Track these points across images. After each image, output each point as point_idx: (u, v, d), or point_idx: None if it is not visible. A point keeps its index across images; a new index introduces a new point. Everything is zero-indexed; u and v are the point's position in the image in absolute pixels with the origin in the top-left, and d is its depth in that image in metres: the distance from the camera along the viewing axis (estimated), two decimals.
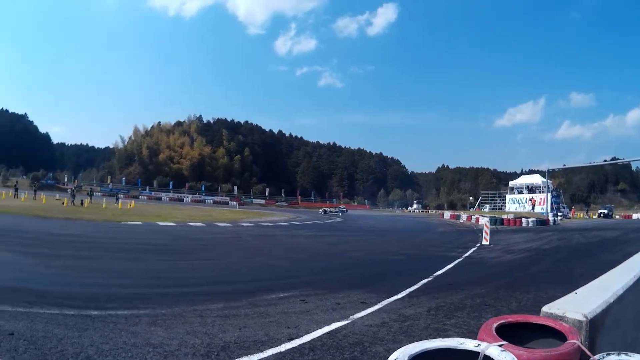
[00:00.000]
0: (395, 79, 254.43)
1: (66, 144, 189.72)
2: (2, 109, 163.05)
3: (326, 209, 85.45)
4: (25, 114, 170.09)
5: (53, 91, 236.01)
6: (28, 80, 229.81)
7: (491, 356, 2.42)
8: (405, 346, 2.58)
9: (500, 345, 2.54)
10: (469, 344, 2.56)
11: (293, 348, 5.43)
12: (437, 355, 2.52)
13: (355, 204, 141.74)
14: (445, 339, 2.69)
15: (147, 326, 6.10)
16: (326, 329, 6.30)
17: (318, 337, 5.92)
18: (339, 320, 6.75)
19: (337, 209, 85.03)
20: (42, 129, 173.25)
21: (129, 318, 6.47)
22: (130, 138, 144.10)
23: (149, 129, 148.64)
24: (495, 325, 3.09)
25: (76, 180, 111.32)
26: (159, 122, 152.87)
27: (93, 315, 6.56)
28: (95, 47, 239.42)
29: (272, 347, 5.43)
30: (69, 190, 51.78)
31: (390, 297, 8.59)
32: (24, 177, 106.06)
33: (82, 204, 42.45)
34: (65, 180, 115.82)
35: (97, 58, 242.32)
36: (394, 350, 4.67)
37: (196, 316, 6.74)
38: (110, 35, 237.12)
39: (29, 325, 5.86)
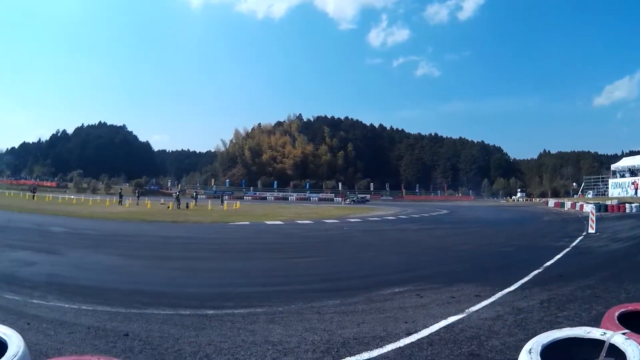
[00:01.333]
0: (491, 64, 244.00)
1: (167, 151, 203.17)
2: (100, 122, 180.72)
3: (353, 198, 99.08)
4: (124, 125, 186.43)
5: (150, 102, 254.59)
6: (125, 93, 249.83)
7: (616, 344, 2.59)
8: (538, 336, 2.80)
9: (623, 334, 2.70)
10: (595, 333, 2.76)
11: (412, 343, 5.57)
12: (566, 344, 2.77)
13: (460, 195, 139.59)
14: (573, 328, 2.91)
15: (265, 324, 6.33)
16: (443, 323, 6.45)
17: (435, 331, 6.06)
18: (455, 314, 6.89)
19: (357, 197, 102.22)
20: (142, 139, 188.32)
21: (246, 316, 6.69)
22: (231, 141, 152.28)
23: (250, 130, 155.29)
24: (616, 314, 3.28)
25: (179, 185, 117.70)
26: (259, 124, 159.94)
27: (209, 314, 6.82)
28: (188, 57, 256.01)
29: (391, 342, 5.57)
30: (173, 194, 54.60)
31: (503, 289, 8.73)
32: (127, 184, 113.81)
33: (187, 206, 44.91)
34: (169, 185, 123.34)
35: (192, 67, 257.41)
36: (510, 344, 5.41)
37: (314, 313, 6.97)
38: (202, 43, 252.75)
39: (144, 326, 6.16)
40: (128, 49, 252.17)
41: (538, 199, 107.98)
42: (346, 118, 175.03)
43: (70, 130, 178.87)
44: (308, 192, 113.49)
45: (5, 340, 2.09)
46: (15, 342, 2.04)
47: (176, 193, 51.47)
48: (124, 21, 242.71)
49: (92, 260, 12.48)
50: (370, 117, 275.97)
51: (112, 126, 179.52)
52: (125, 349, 5.22)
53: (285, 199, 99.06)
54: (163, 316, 6.64)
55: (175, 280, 9.91)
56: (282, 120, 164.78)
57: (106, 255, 13.62)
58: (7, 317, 6.33)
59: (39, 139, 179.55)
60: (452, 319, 6.57)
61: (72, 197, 69.60)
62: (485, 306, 7.40)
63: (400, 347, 5.36)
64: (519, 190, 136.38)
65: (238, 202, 59.42)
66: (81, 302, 7.31)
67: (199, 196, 60.21)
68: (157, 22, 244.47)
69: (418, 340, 5.64)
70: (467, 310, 7.06)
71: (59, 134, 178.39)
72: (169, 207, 43.26)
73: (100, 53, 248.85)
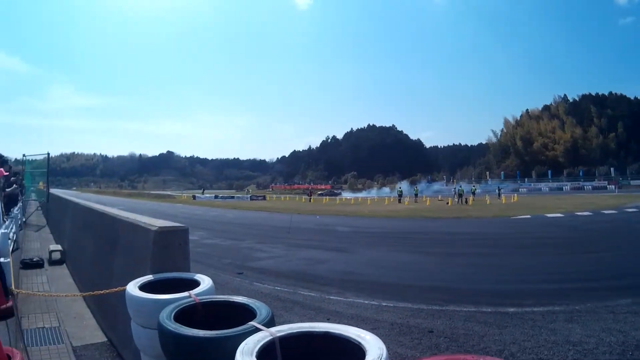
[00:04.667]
0: None
1: (439, 147, 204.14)
2: (368, 124, 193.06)
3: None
4: (393, 125, 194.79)
5: (417, 100, 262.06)
6: (391, 94, 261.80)
7: None
8: None
9: None
10: None
11: None
12: None
13: None
14: None
15: (564, 323, 6.35)
16: None
17: None
18: None
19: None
20: (413, 137, 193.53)
21: (545, 315, 6.73)
22: (502, 131, 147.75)
23: (518, 118, 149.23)
24: None
25: (454, 179, 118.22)
26: (527, 110, 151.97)
27: (510, 312, 6.89)
28: (443, 49, 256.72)
29: None
30: (453, 189, 55.22)
31: None
32: (402, 182, 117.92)
33: (466, 202, 45.29)
34: (444, 180, 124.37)
35: (449, 58, 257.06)
36: None
37: (608, 312, 6.87)
38: (454, 34, 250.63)
39: (447, 323, 6.43)
40: (386, 53, 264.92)
41: None
42: (610, 93, 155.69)
43: (340, 136, 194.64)
44: (581, 180, 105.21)
45: (360, 343, 2.12)
46: (377, 344, 2.05)
47: (458, 188, 51.77)
48: (378, 27, 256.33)
49: (384, 258, 13.33)
50: (634, 88, 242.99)
51: (381, 127, 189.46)
52: (430, 346, 5.47)
53: (560, 189, 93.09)
54: (465, 313, 6.85)
55: (469, 277, 10.13)
56: (547, 103, 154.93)
57: (397, 252, 14.45)
58: (306, 312, 7.13)
59: (309, 146, 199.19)
60: None
61: (350, 197, 74.67)
62: None
63: None
64: None
65: (515, 195, 57.77)
66: (380, 298, 7.88)
67: (477, 190, 59.87)
68: (408, 21, 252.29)
69: None
70: None
71: (329, 140, 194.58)
72: (448, 203, 44.19)
73: (361, 60, 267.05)
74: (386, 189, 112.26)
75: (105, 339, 5.44)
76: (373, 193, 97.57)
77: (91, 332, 5.69)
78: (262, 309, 2.81)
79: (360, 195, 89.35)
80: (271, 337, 2.25)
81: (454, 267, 11.46)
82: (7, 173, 11.66)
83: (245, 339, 2.24)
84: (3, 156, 12.43)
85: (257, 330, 2.42)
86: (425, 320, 6.51)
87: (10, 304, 6.19)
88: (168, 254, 4.35)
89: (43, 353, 5.02)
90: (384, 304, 7.52)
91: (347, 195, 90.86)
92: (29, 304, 6.80)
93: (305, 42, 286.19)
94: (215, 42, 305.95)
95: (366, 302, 7.72)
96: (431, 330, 6.04)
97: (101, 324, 5.96)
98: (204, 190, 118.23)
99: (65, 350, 5.14)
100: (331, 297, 8.13)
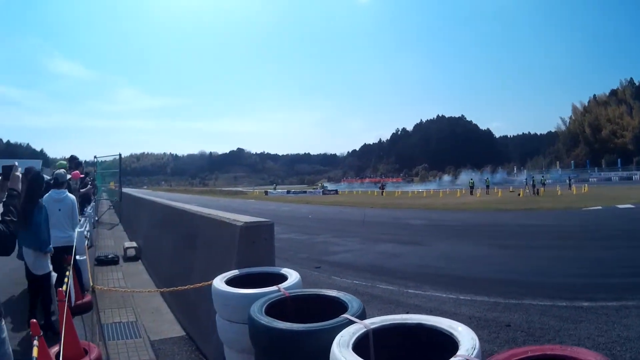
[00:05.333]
0: None
1: (508, 136, 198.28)
2: (438, 115, 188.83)
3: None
4: (462, 115, 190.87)
5: (486, 89, 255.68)
6: (460, 84, 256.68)
7: None
8: None
9: None
10: None
11: None
12: None
13: None
14: None
15: (637, 318, 6.27)
16: None
17: None
18: None
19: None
20: (482, 127, 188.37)
21: (619, 310, 6.68)
22: (571, 118, 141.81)
23: (586, 104, 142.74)
24: None
25: (525, 170, 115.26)
26: (594, 95, 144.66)
27: (584, 306, 6.91)
28: (503, 35, 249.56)
29: None
30: (525, 179, 54.28)
31: None
32: (463, 173, 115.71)
33: (537, 193, 44.34)
34: (515, 171, 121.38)
35: (510, 49, 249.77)
36: None
37: None
38: (508, 17, 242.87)
39: (524, 317, 6.56)
40: (451, 43, 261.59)
41: None
42: None
43: (409, 128, 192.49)
44: None
45: (452, 334, 2.14)
46: (469, 335, 2.06)
47: (532, 178, 50.77)
48: (441, 18, 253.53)
49: (457, 251, 13.44)
50: None
51: (451, 118, 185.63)
52: (508, 340, 5.63)
53: (629, 178, 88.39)
54: (541, 307, 6.94)
55: (543, 270, 10.09)
56: (614, 88, 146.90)
57: (470, 245, 14.51)
58: (384, 306, 7.34)
59: (379, 139, 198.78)
60: None
61: (422, 189, 74.23)
62: None
63: None
64: None
65: (586, 185, 55.94)
66: (458, 292, 8.09)
67: (547, 181, 58.42)
68: (471, 10, 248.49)
69: None
70: None
71: (399, 132, 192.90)
72: (519, 195, 43.49)
73: (426, 51, 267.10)
74: (447, 178, 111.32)
75: (184, 333, 5.73)
76: (433, 185, 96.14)
77: (169, 327, 6.04)
78: (353, 302, 2.87)
79: (418, 187, 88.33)
80: (365, 330, 2.32)
81: (527, 260, 11.46)
82: (83, 175, 12.48)
83: (338, 332, 2.29)
84: (77, 158, 13.14)
85: (350, 322, 2.48)
86: (502, 314, 6.66)
87: (87, 299, 6.68)
88: (254, 249, 4.47)
89: (120, 347, 5.32)
90: (462, 297, 7.73)
91: (417, 187, 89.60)
92: (105, 299, 7.25)
93: (370, 36, 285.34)
94: (282, 40, 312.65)
95: (444, 295, 7.95)
96: (508, 324, 6.20)
97: (179, 318, 6.26)
98: (275, 185, 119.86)
99: (143, 344, 5.44)
100: (409, 291, 8.37)
